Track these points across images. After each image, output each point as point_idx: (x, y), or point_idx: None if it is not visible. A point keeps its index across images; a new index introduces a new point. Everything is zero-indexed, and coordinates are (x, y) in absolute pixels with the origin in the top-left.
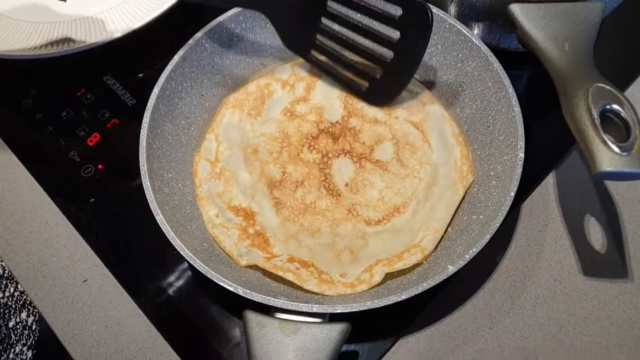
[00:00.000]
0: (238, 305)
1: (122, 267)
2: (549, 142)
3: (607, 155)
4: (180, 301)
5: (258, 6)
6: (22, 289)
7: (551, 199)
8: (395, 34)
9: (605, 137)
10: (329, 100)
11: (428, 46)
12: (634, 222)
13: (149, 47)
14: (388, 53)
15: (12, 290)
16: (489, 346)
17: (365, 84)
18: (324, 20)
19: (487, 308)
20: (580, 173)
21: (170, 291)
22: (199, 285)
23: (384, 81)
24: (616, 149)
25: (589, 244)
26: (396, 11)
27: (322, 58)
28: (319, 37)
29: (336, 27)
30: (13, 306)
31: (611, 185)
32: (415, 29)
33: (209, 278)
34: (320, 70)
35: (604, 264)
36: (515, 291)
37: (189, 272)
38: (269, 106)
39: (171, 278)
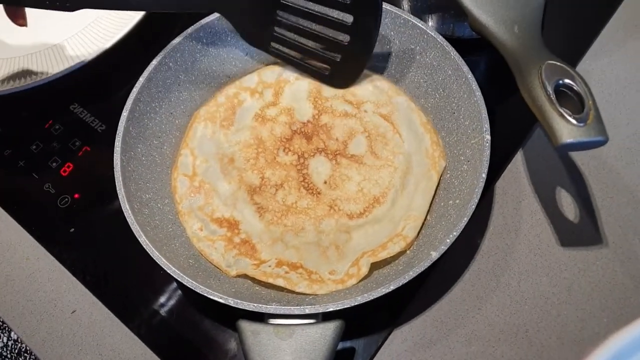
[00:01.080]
0: (231, 317)
1: (110, 293)
2: (513, 122)
3: (566, 128)
4: (173, 320)
5: (215, 7)
6: (15, 337)
7: (522, 176)
8: (348, 18)
9: (562, 110)
10: (298, 101)
11: (387, 42)
12: (601, 189)
13: (112, 71)
14: (344, 37)
15: (5, 340)
16: (479, 326)
17: (327, 67)
18: (280, 13)
19: (474, 289)
20: (546, 148)
21: (162, 311)
22: (189, 302)
23: (344, 64)
24: (573, 121)
25: (562, 216)
26: None
27: (284, 49)
28: (277, 29)
29: (292, 18)
30: (8, 356)
31: (576, 156)
32: (366, 9)
33: (198, 293)
34: (283, 60)
35: (579, 233)
36: (499, 270)
37: (179, 291)
38: (240, 115)
39: (161, 298)
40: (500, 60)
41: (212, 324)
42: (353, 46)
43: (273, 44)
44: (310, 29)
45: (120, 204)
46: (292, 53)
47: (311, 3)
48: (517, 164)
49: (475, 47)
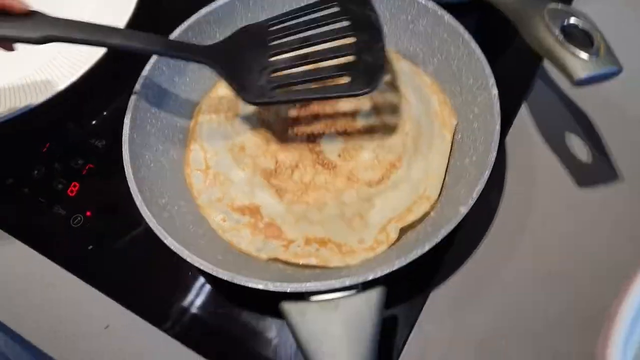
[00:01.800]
0: (268, 304)
1: (140, 302)
2: (513, 77)
3: (580, 64)
4: (210, 317)
5: (201, 59)
6: None
7: (529, 127)
8: (345, 23)
9: (572, 49)
10: None
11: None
12: (608, 127)
13: (103, 87)
14: (349, 40)
15: None
16: (513, 275)
17: (347, 78)
18: (272, 51)
19: (503, 241)
20: (549, 97)
21: (197, 311)
22: (223, 297)
23: (361, 64)
24: (585, 57)
25: (576, 158)
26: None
27: (291, 88)
28: (274, 72)
29: (288, 55)
30: None
31: (579, 99)
32: (358, 4)
33: (232, 287)
34: (296, 101)
35: (594, 172)
36: (523, 218)
37: (209, 287)
38: (244, 103)
39: (193, 298)
40: (489, 20)
41: (250, 314)
42: (361, 44)
43: (277, 90)
44: (310, 52)
45: (137, 210)
46: (301, 87)
47: (302, 32)
48: (523, 116)
49: (463, 11)
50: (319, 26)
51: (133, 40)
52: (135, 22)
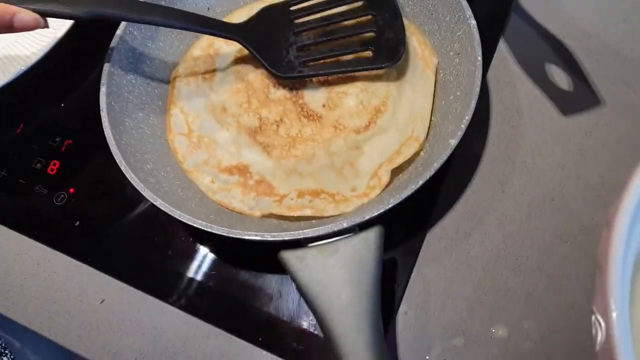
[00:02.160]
0: (265, 261)
1: (135, 273)
2: (488, 15)
3: None
4: (207, 282)
5: (234, 37)
6: None
7: (510, 62)
8: (361, 2)
9: None
10: None
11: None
12: (586, 55)
13: (72, 61)
14: (369, 17)
15: None
16: (508, 208)
17: (370, 53)
18: (296, 28)
19: (494, 175)
20: (526, 30)
21: (193, 276)
22: (219, 260)
23: (382, 39)
24: None
25: (558, 87)
26: None
27: (316, 62)
28: (300, 48)
29: (309, 24)
30: None
31: (556, 30)
32: None
33: (227, 248)
34: (322, 74)
35: (577, 100)
36: (512, 151)
37: (206, 252)
38: (220, 62)
39: (189, 264)
40: None
41: (249, 273)
42: (381, 18)
43: (305, 66)
44: (333, 29)
45: (123, 181)
46: (328, 61)
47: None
48: (502, 51)
49: None
50: (337, 6)
51: (170, 17)
52: None
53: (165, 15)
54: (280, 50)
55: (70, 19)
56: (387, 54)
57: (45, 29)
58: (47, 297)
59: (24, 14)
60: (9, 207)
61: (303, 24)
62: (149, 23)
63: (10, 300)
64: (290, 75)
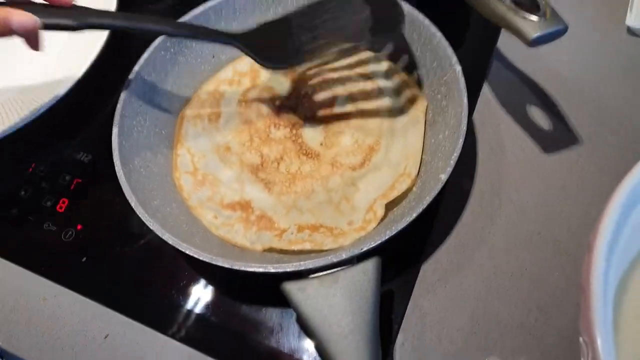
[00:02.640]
0: (266, 294)
1: (140, 308)
2: (472, 62)
3: (531, 26)
4: (211, 315)
5: (232, 43)
6: None
7: (493, 104)
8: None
9: (523, 14)
10: (275, 81)
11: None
12: (563, 96)
13: (83, 105)
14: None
15: None
16: (497, 240)
17: (365, 25)
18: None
19: (482, 210)
20: (507, 74)
21: (197, 310)
22: (222, 294)
23: (378, 9)
24: (535, 19)
25: (538, 127)
26: None
27: (315, 45)
28: (297, 36)
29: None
30: None
31: (535, 74)
32: None
33: (231, 282)
34: (322, 55)
35: (557, 138)
36: (498, 187)
37: (208, 286)
38: (225, 105)
39: (193, 298)
40: (443, 8)
41: (250, 307)
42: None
43: (303, 55)
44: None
45: (129, 218)
46: (325, 41)
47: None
48: (486, 94)
49: (421, 2)
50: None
51: (162, 24)
52: (115, 34)
53: (158, 23)
54: (278, 46)
55: (65, 29)
56: (382, 29)
57: (63, 71)
58: (52, 332)
59: (22, 15)
60: (18, 244)
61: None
62: (142, 31)
63: (15, 336)
64: (288, 64)
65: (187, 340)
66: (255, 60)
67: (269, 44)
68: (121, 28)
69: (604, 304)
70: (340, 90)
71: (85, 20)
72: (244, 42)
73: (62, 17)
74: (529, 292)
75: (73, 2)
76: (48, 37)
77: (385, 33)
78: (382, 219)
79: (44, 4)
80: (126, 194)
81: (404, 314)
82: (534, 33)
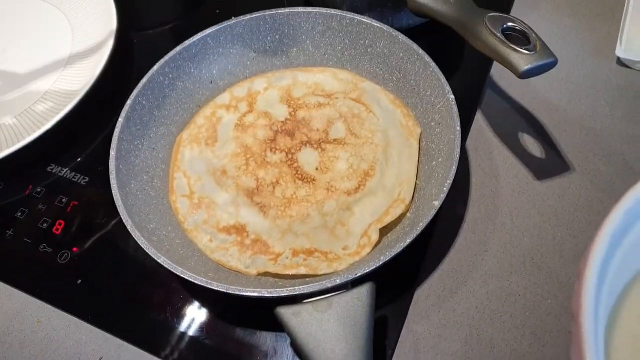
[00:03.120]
0: (260, 318)
1: (134, 331)
2: (465, 91)
3: (522, 59)
4: (204, 340)
5: None
6: None
7: (487, 131)
8: None
9: (514, 47)
10: (273, 106)
11: (339, 43)
12: (555, 126)
13: (81, 128)
14: None
15: None
16: (490, 266)
17: None
18: None
19: (476, 236)
20: (500, 103)
21: (191, 333)
22: (217, 318)
23: None
24: (526, 52)
25: (531, 155)
26: None
27: None
28: None
29: None
30: None
31: (528, 103)
32: None
33: (225, 306)
34: None
35: (549, 166)
36: (492, 214)
37: (203, 309)
38: (222, 130)
39: (187, 321)
40: (440, 42)
41: (244, 331)
42: None
43: None
44: None
45: (124, 241)
46: None
47: None
48: (479, 122)
49: (416, 34)
50: None
51: None
52: (114, 57)
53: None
54: None
55: None
56: None
57: (62, 95)
58: (45, 355)
59: None
60: (13, 266)
61: None
62: None
63: (9, 359)
64: None
65: None
66: None
67: None
68: None
69: (595, 335)
70: (336, 116)
71: None
72: None
73: None
74: (523, 318)
75: None
76: (49, 57)
77: None
78: (376, 244)
79: None
80: (123, 218)
81: (398, 340)
82: (524, 66)
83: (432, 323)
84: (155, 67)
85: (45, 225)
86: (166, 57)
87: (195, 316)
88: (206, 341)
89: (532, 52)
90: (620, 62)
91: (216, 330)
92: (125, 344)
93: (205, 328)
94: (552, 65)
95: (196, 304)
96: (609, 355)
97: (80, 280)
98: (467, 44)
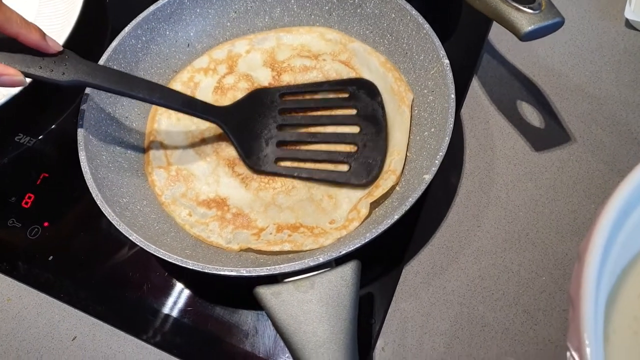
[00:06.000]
0: (241, 297)
1: (109, 310)
2: (461, 54)
3: (525, 18)
4: (183, 318)
5: (214, 119)
6: None
7: (483, 99)
8: (353, 111)
9: (516, 5)
10: (255, 70)
11: (326, 3)
12: (556, 93)
13: (50, 94)
14: (354, 129)
15: None
16: (483, 242)
17: (346, 167)
18: (281, 129)
19: (469, 210)
20: (498, 69)
21: (168, 313)
22: (195, 296)
23: (361, 157)
24: (530, 11)
25: (529, 124)
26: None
27: (292, 164)
28: (280, 145)
29: (294, 132)
30: None
31: (527, 69)
32: (368, 92)
33: (204, 284)
34: (294, 177)
35: (548, 137)
36: (486, 186)
37: (182, 288)
38: (200, 95)
39: (164, 300)
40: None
41: (224, 309)
42: (365, 132)
43: (280, 163)
44: (317, 133)
45: (98, 216)
46: (303, 165)
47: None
48: (475, 89)
49: None
50: (328, 108)
51: (155, 95)
52: (84, 17)
53: (151, 92)
54: (260, 141)
55: (55, 84)
56: (361, 173)
57: None
58: (16, 334)
59: (12, 73)
60: None
61: (288, 119)
62: (134, 97)
63: None
64: (264, 169)
65: (158, 343)
66: (239, 154)
67: (251, 129)
68: (113, 91)
69: (594, 319)
70: (321, 79)
71: (76, 79)
72: (229, 124)
73: (48, 72)
74: (516, 296)
75: (61, 49)
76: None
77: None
78: (365, 218)
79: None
80: (92, 192)
81: (385, 318)
82: (527, 26)
83: (420, 301)
84: (127, 29)
85: (13, 199)
86: (138, 19)
87: (173, 294)
88: (184, 320)
89: (537, 11)
90: (628, 24)
91: (195, 308)
92: (100, 322)
93: (183, 307)
94: (558, 25)
95: (174, 282)
96: (608, 337)
97: (52, 257)
98: (465, 2)
